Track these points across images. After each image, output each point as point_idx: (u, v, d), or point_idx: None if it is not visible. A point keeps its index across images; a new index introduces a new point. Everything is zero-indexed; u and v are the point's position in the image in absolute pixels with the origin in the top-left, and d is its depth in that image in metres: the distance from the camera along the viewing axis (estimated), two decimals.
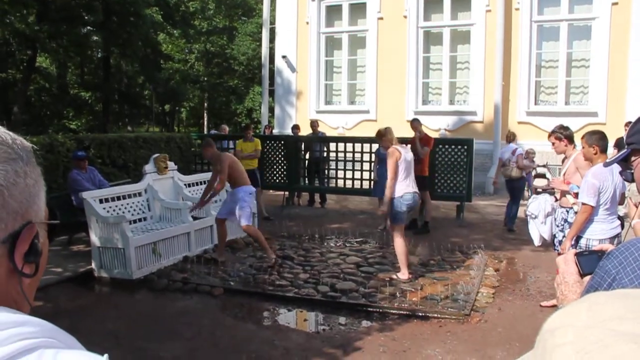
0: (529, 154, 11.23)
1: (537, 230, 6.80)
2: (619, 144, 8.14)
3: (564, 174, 6.12)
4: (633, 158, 1.58)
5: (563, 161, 6.38)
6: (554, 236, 6.36)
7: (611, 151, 6.22)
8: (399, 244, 7.35)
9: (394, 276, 7.44)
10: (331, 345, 5.47)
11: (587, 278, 1.62)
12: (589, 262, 1.59)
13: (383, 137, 7.52)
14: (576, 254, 1.63)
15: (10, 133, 0.88)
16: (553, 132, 6.33)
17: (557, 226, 6.20)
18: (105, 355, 0.80)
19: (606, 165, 1.71)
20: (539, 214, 6.72)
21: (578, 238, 5.35)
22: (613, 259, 1.34)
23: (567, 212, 6.04)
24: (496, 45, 15.31)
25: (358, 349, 5.36)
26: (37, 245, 0.86)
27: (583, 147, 5.58)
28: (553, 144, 6.28)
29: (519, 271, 8.13)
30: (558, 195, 6.32)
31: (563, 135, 6.20)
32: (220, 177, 8.12)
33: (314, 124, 13.86)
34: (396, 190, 7.22)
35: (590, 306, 0.59)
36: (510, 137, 11.19)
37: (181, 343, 5.55)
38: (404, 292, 6.86)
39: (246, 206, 8.11)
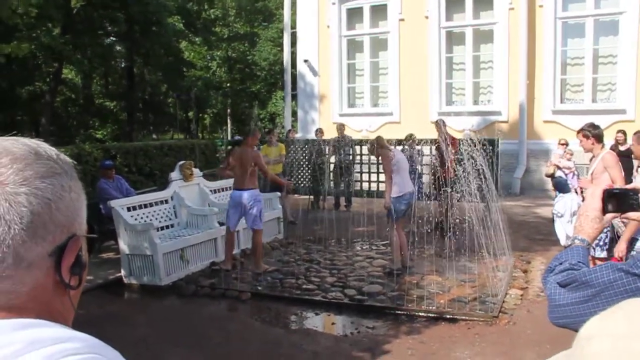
0: (567, 155, 11.39)
1: (564, 230, 6.72)
2: None
3: (592, 174, 6.04)
4: None
5: (591, 160, 6.29)
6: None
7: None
8: (395, 237, 7.85)
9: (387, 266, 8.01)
10: (359, 348, 5.46)
11: (609, 215, 1.65)
12: (617, 199, 1.59)
13: (378, 148, 8.07)
14: (605, 190, 1.62)
15: (53, 148, 0.91)
16: (581, 129, 6.22)
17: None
18: None
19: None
20: (565, 213, 6.65)
21: (633, 240, 5.24)
22: None
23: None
24: (520, 44, 15.17)
25: (386, 352, 5.34)
26: (82, 257, 0.89)
27: (632, 145, 5.49)
28: (580, 141, 6.18)
29: None
30: (585, 195, 6.24)
31: (591, 133, 6.08)
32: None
33: (340, 127, 13.86)
34: (394, 191, 7.69)
35: (628, 315, 0.59)
36: (562, 141, 11.74)
37: (210, 348, 5.58)
38: (431, 295, 6.83)
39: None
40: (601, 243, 5.82)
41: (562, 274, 1.55)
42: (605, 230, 5.95)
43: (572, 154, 11.57)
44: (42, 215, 0.83)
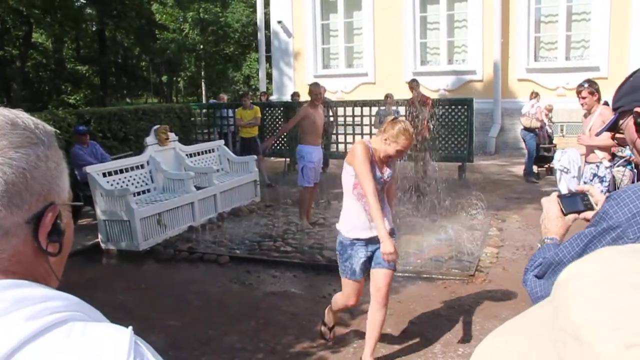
0: (548, 111, 11.55)
1: (568, 186, 6.76)
2: None
3: (589, 130, 6.06)
4: (621, 121, 1.56)
5: (585, 117, 6.33)
6: None
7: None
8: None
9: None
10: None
11: (570, 216, 1.72)
12: (571, 202, 1.70)
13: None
14: (559, 196, 1.73)
15: (33, 118, 0.93)
16: (583, 86, 6.20)
17: (585, 182, 6.14)
18: (130, 328, 0.83)
19: (601, 132, 1.72)
20: (572, 168, 6.68)
21: None
22: (611, 200, 1.41)
23: (597, 167, 6.02)
24: (494, 2, 15.14)
25: (364, 312, 5.41)
26: (60, 225, 0.90)
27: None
28: (584, 98, 6.15)
29: (522, 230, 8.16)
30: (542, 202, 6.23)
31: (595, 89, 6.11)
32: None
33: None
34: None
35: (604, 259, 0.61)
36: (533, 95, 11.80)
37: (190, 311, 5.62)
38: (408, 254, 6.91)
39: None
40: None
41: (537, 268, 1.61)
42: (589, 182, 6.06)
43: (551, 110, 11.70)
44: (17, 185, 0.84)
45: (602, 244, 1.40)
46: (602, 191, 5.89)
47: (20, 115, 0.91)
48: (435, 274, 6.30)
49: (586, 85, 6.17)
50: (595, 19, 14.64)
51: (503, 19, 15.16)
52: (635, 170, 6.09)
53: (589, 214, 1.66)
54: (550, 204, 1.75)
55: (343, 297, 4.42)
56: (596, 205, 1.67)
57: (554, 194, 1.74)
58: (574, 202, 1.70)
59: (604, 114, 5.85)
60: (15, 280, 0.83)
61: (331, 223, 8.56)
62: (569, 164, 6.68)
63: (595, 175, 6.03)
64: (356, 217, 4.13)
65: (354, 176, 4.06)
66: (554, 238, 1.70)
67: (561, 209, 1.71)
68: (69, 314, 0.81)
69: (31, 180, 0.86)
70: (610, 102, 1.73)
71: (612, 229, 1.40)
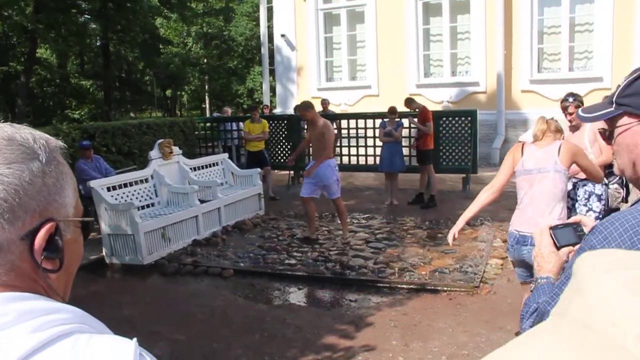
0: None
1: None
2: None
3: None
4: (620, 122, 1.42)
5: (572, 131, 6.10)
6: (569, 209, 5.59)
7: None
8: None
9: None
10: (342, 321, 5.52)
11: (564, 250, 1.63)
12: (564, 234, 1.59)
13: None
14: (551, 227, 1.62)
15: (35, 132, 0.92)
16: (568, 101, 5.90)
17: (579, 200, 5.80)
18: (134, 339, 0.83)
19: (589, 120, 1.51)
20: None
21: None
22: (598, 233, 1.30)
23: (594, 185, 5.67)
24: (496, 14, 15.16)
25: (369, 324, 5.41)
26: (57, 241, 0.89)
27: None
28: (572, 113, 5.87)
29: None
30: (534, 235, 6.02)
31: (580, 101, 5.84)
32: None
33: (324, 102, 13.90)
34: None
35: (621, 252, 0.63)
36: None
37: (195, 325, 5.61)
38: (413, 266, 6.90)
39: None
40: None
41: (532, 317, 1.52)
42: (584, 201, 5.88)
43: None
44: (9, 201, 0.84)
45: None
46: (599, 210, 5.77)
47: (22, 131, 0.90)
48: (440, 286, 6.29)
49: (571, 99, 5.90)
50: (598, 29, 14.64)
51: (506, 31, 15.17)
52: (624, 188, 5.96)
53: None
54: (542, 237, 1.66)
55: None
56: None
57: (546, 226, 1.65)
58: (568, 233, 1.61)
59: (594, 128, 5.50)
60: (19, 293, 0.83)
61: (335, 235, 8.57)
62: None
63: (591, 194, 5.75)
64: None
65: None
66: (549, 277, 1.61)
67: (554, 241, 1.63)
68: (74, 326, 0.82)
69: (25, 196, 0.85)
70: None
71: None
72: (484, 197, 4.49)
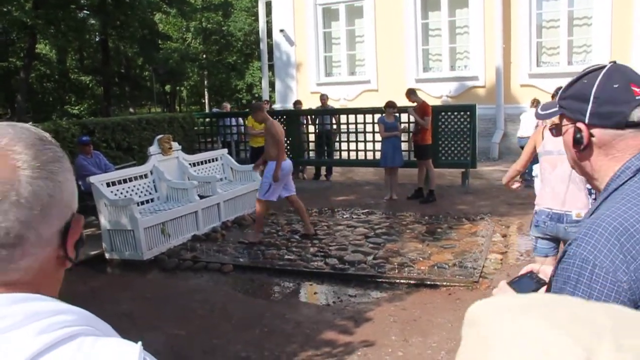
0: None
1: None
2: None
3: None
4: (564, 121, 1.45)
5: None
6: None
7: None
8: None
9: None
10: (342, 317, 5.53)
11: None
12: (522, 284, 1.58)
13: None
14: (508, 283, 1.62)
15: (46, 133, 0.96)
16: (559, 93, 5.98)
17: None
18: (139, 343, 0.85)
19: (542, 117, 1.58)
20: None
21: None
22: (585, 244, 1.25)
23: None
24: (495, 8, 15.15)
25: (369, 319, 5.42)
26: (82, 234, 0.96)
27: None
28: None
29: (526, 236, 8.14)
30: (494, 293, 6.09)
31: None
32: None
33: (323, 97, 13.88)
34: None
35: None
36: (534, 104, 11.70)
37: (195, 320, 5.62)
38: (412, 261, 6.91)
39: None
40: None
41: None
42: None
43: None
44: (56, 197, 0.88)
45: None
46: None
47: (39, 130, 0.94)
48: (439, 281, 6.29)
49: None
50: (597, 23, 14.63)
51: (504, 25, 15.17)
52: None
53: (543, 290, 1.54)
54: (504, 292, 1.60)
55: None
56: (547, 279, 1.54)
57: (503, 282, 1.61)
58: (525, 284, 1.59)
59: None
60: (26, 294, 0.84)
61: (335, 230, 8.59)
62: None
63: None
64: None
65: None
66: None
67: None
68: (80, 328, 0.83)
69: (64, 192, 0.90)
70: None
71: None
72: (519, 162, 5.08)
